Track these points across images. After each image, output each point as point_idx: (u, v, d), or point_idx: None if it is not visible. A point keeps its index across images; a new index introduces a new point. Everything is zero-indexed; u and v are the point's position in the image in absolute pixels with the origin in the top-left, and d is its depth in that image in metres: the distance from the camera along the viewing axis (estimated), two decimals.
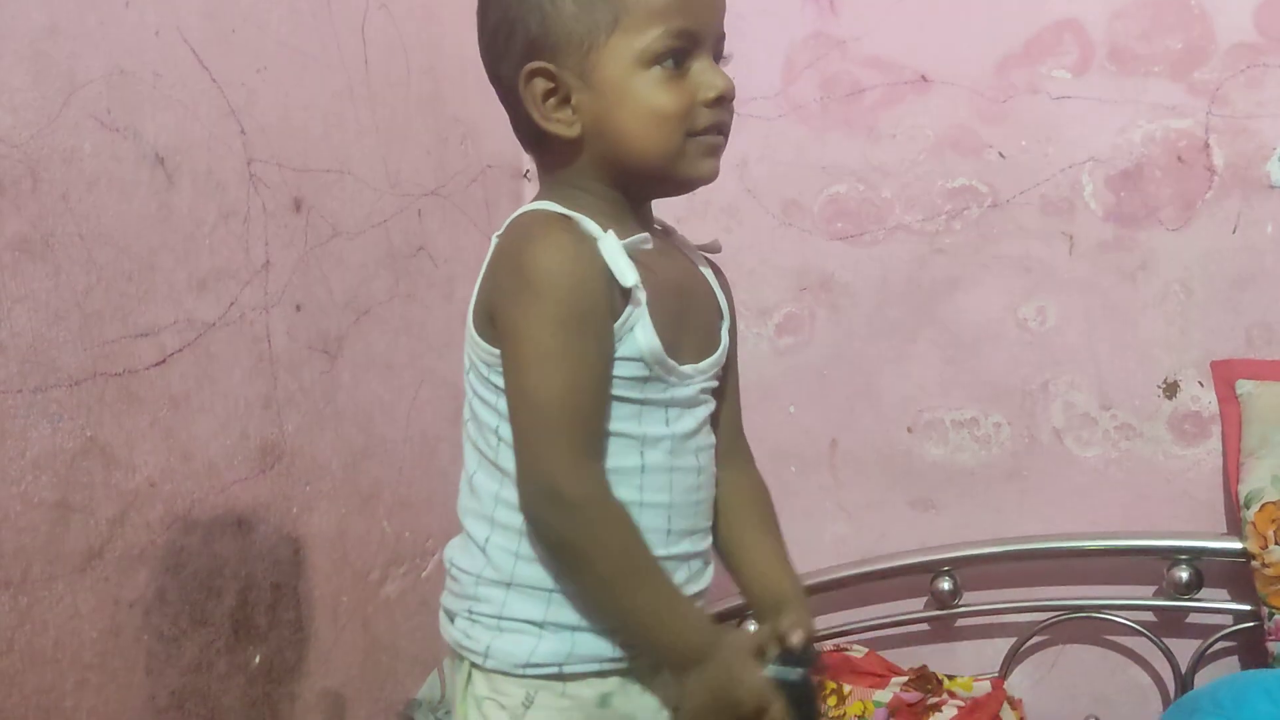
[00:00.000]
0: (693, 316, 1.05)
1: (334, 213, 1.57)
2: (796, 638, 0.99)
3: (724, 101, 0.99)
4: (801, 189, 1.92)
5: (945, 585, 1.81)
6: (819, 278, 1.93)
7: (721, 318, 1.10)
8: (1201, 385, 1.75)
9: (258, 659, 1.44)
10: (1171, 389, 1.76)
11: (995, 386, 1.85)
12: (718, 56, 1.01)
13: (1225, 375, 1.72)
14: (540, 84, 0.98)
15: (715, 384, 1.07)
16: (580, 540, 0.94)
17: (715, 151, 1.01)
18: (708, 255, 1.13)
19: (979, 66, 1.81)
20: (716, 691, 0.95)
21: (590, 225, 0.97)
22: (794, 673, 0.98)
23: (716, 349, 1.07)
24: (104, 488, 1.21)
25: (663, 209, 1.11)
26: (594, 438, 0.96)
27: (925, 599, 1.86)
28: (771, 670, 0.97)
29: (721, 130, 1.01)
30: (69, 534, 1.16)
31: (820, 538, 1.95)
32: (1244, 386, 1.69)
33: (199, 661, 1.34)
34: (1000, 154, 1.82)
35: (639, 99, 0.96)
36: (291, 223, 1.49)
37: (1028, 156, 1.81)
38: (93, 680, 1.20)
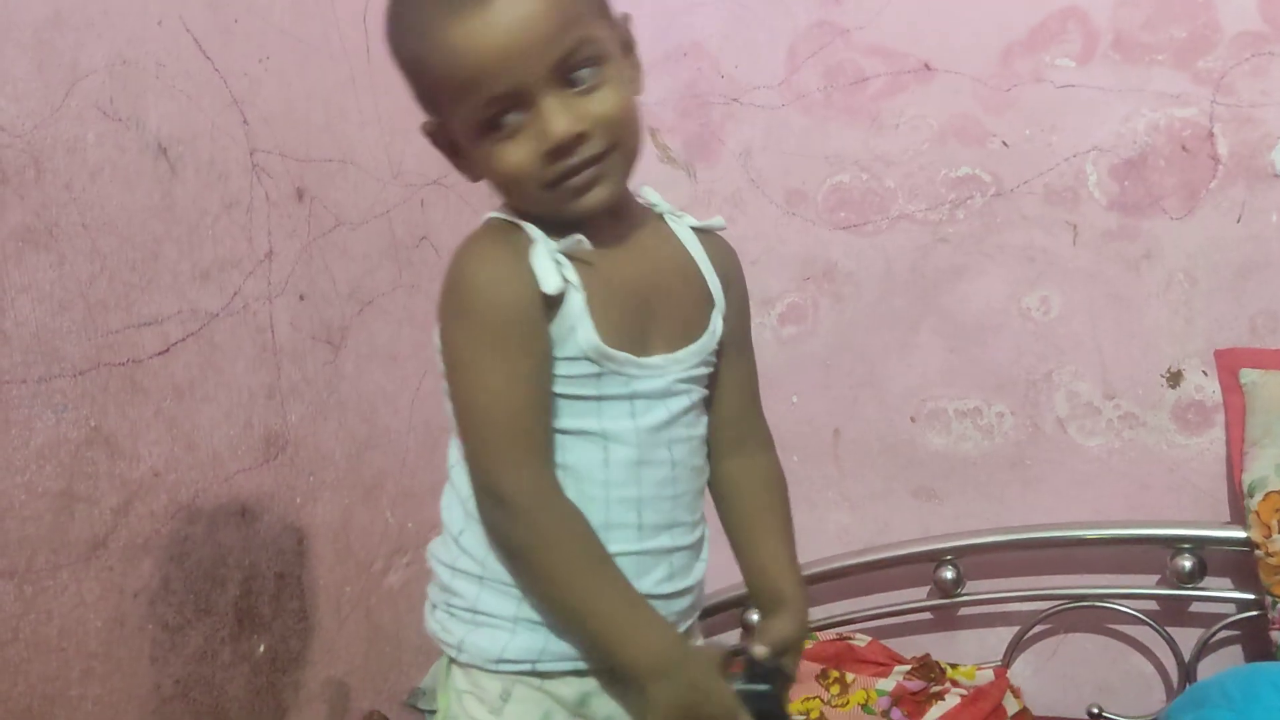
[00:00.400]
0: (665, 306, 1.01)
1: (337, 202, 1.57)
2: (760, 653, 0.99)
3: (566, 150, 0.91)
4: (805, 178, 1.92)
5: (948, 574, 1.81)
6: (822, 267, 1.93)
7: (712, 304, 1.06)
8: (1205, 374, 1.74)
9: (262, 648, 1.44)
10: (1175, 378, 1.76)
11: (998, 376, 1.85)
12: (577, 78, 0.91)
13: (1229, 364, 1.71)
14: (438, 138, 0.99)
15: (701, 372, 1.04)
16: (529, 543, 0.94)
17: (586, 188, 0.93)
18: (713, 236, 1.09)
19: (982, 55, 1.81)
20: (683, 704, 0.94)
21: (532, 230, 0.96)
22: (762, 687, 0.98)
23: (699, 336, 1.03)
24: (108, 477, 1.21)
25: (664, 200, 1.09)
26: (535, 442, 0.95)
27: (928, 588, 1.86)
28: (739, 684, 0.97)
29: (581, 168, 0.92)
30: (73, 523, 1.17)
31: (823, 527, 1.95)
32: (1248, 376, 1.69)
33: (203, 651, 1.34)
34: (1004, 143, 1.82)
35: (489, 164, 0.94)
36: (294, 212, 1.49)
37: (1031, 145, 1.80)
38: (97, 669, 1.20)
